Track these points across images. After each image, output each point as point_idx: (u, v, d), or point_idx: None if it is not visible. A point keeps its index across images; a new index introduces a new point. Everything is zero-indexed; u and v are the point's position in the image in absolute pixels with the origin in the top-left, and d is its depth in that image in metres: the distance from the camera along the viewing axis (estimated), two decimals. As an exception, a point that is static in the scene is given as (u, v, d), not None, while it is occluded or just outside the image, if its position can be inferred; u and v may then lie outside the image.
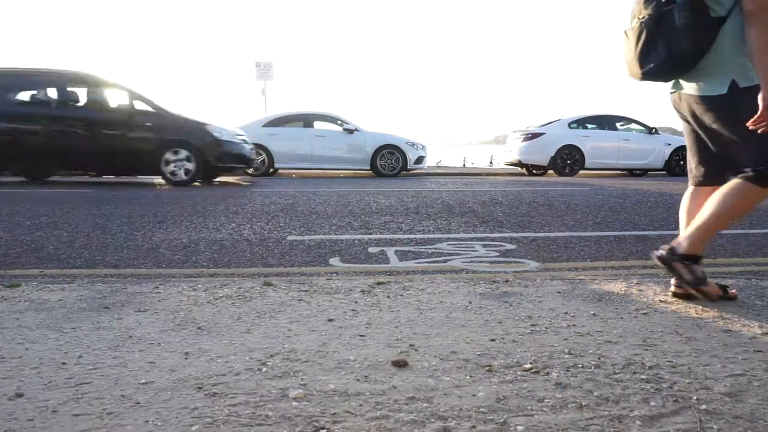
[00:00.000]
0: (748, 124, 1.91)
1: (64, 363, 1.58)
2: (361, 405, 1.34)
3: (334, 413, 1.29)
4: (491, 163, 18.43)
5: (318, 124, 12.35)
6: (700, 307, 2.18)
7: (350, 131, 12.03)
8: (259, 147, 11.68)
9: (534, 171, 13.38)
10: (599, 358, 1.64)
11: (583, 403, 1.35)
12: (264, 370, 1.54)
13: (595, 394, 1.40)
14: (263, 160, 11.76)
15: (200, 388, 1.42)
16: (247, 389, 1.42)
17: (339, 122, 12.24)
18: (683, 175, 12.87)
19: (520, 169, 13.95)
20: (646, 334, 1.87)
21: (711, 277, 2.74)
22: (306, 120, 12.26)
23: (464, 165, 17.81)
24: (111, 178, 10.12)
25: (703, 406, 1.33)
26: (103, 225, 4.56)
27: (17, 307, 2.15)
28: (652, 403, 1.35)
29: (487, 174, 14.22)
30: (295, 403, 1.34)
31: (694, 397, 1.38)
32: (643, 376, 1.51)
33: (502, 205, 6.06)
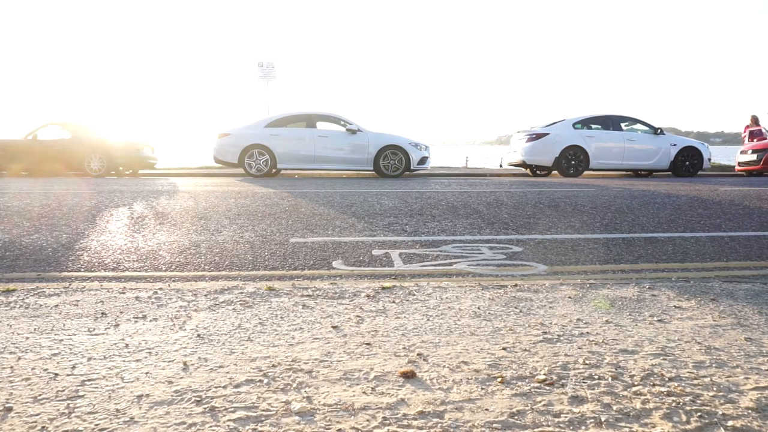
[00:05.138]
0: None
1: (56, 374, 1.51)
2: (368, 420, 1.26)
3: (340, 429, 1.22)
4: None
5: (321, 125, 12.26)
6: (716, 313, 2.11)
7: (353, 132, 11.95)
8: (261, 148, 11.62)
9: (538, 172, 13.29)
10: (616, 369, 1.57)
11: (603, 419, 1.27)
12: (266, 381, 1.47)
13: (614, 408, 1.33)
14: (266, 161, 11.69)
15: (199, 401, 1.35)
16: (248, 403, 1.35)
17: (342, 123, 12.16)
18: (689, 175, 12.66)
19: (524, 169, 13.86)
20: (663, 342, 1.79)
21: (725, 281, 2.67)
22: (309, 120, 12.18)
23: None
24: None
25: (730, 423, 1.26)
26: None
27: (11, 313, 2.08)
28: (675, 419, 1.27)
29: (491, 175, 14.13)
30: (298, 418, 1.27)
31: (720, 412, 1.31)
32: (663, 389, 1.43)
33: (507, 207, 5.98)
